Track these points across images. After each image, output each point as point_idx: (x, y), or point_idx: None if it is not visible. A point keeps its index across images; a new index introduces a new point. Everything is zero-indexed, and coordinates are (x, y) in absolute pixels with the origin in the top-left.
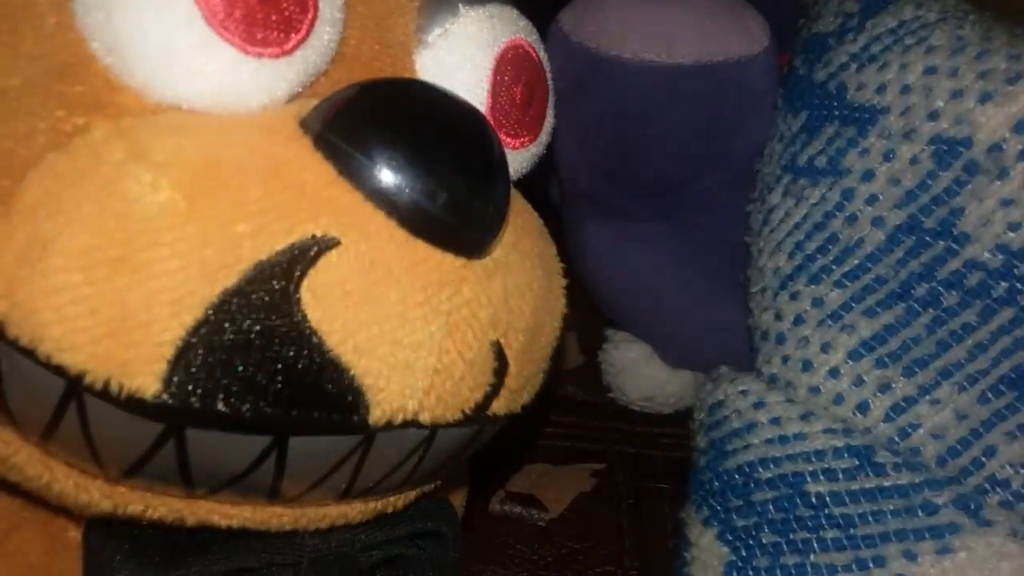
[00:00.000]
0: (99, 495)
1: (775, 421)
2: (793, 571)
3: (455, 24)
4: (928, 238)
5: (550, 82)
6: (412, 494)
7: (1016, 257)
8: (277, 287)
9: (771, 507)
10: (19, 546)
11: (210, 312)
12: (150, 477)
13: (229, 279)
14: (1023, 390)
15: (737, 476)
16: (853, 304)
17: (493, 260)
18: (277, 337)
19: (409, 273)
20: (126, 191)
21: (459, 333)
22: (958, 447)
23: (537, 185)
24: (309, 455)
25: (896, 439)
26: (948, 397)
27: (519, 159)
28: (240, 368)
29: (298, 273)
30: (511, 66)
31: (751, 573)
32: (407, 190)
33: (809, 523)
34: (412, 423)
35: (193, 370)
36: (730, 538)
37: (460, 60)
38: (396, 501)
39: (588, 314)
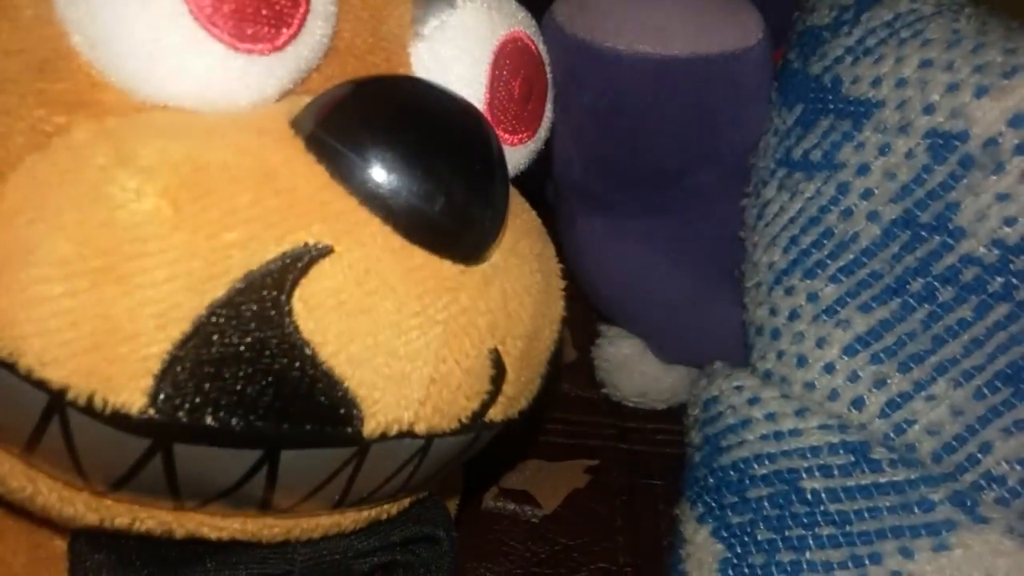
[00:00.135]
0: (84, 508)
1: (770, 417)
2: (788, 568)
3: (452, 16)
4: (923, 233)
5: (549, 76)
6: (406, 500)
7: (1012, 252)
8: (268, 298)
9: (766, 503)
10: (2, 556)
11: (198, 325)
12: (137, 490)
13: (218, 290)
14: (1019, 386)
15: (732, 472)
16: (848, 299)
17: (491, 265)
18: (268, 349)
19: (405, 281)
20: (110, 198)
21: (456, 342)
22: (954, 443)
23: (530, 180)
24: (302, 467)
25: (892, 435)
26: (944, 393)
27: (517, 155)
28: (230, 382)
29: (289, 283)
30: (510, 60)
31: (746, 570)
32: (403, 193)
33: (805, 520)
34: (407, 434)
35: (180, 384)
36: (725, 535)
37: (457, 53)
38: (390, 508)
39: (581, 310)
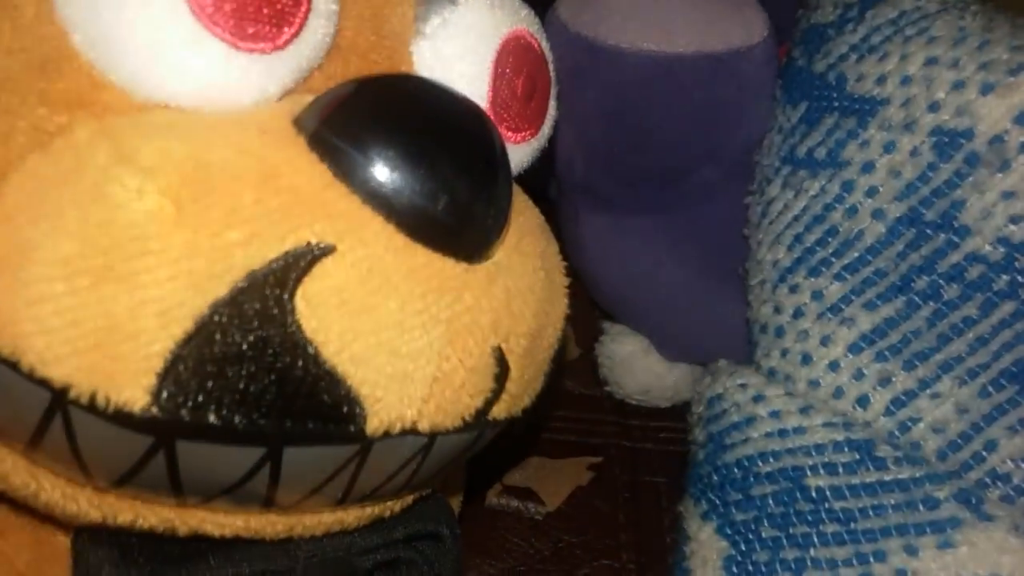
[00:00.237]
0: (87, 505)
1: (775, 415)
2: (793, 565)
3: (454, 14)
4: (928, 231)
5: (552, 73)
6: (409, 497)
7: (1017, 250)
8: (270, 297)
9: (771, 501)
10: (5, 552)
11: (200, 323)
12: (139, 488)
13: (220, 289)
14: None
15: (736, 470)
16: (853, 297)
17: (495, 263)
18: (271, 348)
19: (408, 280)
20: (111, 197)
21: (460, 340)
22: (959, 441)
23: (533, 177)
24: (305, 465)
25: (896, 433)
26: (949, 391)
27: (520, 153)
28: (232, 380)
29: (292, 282)
30: (513, 57)
31: (750, 567)
32: (406, 192)
33: (809, 517)
34: (410, 432)
35: (183, 383)
36: (729, 532)
37: (460, 51)
38: (393, 505)
39: (585, 307)
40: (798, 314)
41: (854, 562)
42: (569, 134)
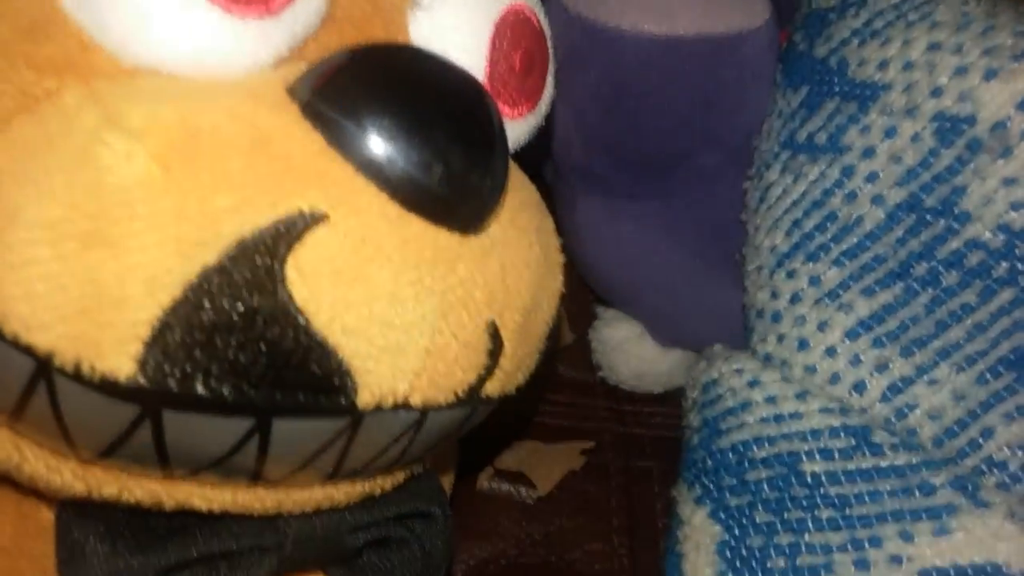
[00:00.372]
0: (72, 477)
1: (770, 400)
2: (787, 550)
3: None
4: (928, 217)
5: (551, 50)
6: (400, 475)
7: (1017, 237)
8: (260, 265)
9: (765, 486)
10: None
11: (189, 291)
12: (125, 459)
13: (209, 256)
14: (1021, 371)
15: (731, 455)
16: (851, 283)
17: (490, 237)
18: (260, 317)
19: (401, 251)
20: (99, 160)
21: (453, 314)
22: (955, 428)
23: (530, 160)
24: (294, 437)
25: (893, 419)
26: (946, 378)
27: (517, 129)
28: (221, 349)
29: (283, 250)
30: (511, 31)
31: (744, 552)
32: (401, 162)
33: (804, 502)
34: (402, 406)
35: (170, 351)
36: (723, 517)
37: (457, 23)
38: (384, 483)
39: (579, 292)
40: (795, 299)
41: (849, 547)
42: (567, 116)
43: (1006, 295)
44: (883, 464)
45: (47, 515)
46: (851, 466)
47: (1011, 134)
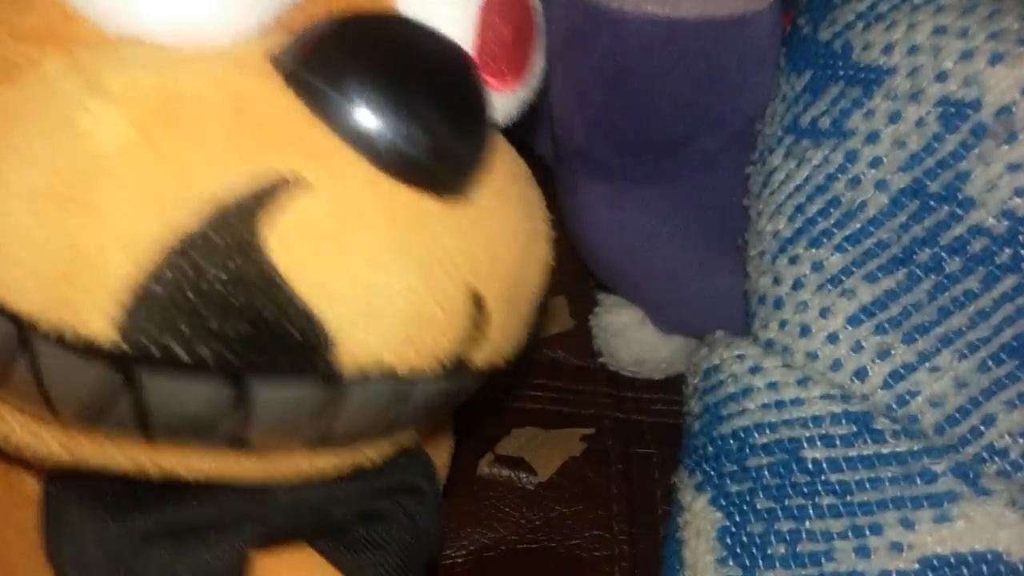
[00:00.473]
0: (57, 446)
1: (772, 386)
2: (788, 537)
3: None
4: (932, 202)
5: (540, 24)
6: (388, 448)
7: (1021, 223)
8: (240, 229)
9: (766, 472)
10: None
11: (168, 255)
12: (108, 425)
13: (189, 221)
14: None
15: (732, 441)
16: (854, 269)
17: (476, 207)
18: (240, 282)
19: (385, 218)
20: (79, 126)
21: (437, 281)
22: (957, 415)
23: (529, 144)
24: (277, 404)
25: (894, 406)
26: (948, 364)
27: (506, 103)
28: (201, 313)
29: (264, 215)
30: (500, 4)
31: (745, 538)
32: (385, 132)
33: (805, 489)
34: (387, 373)
35: (150, 315)
36: (724, 503)
37: None
38: (372, 455)
39: (580, 278)
40: (797, 285)
41: (849, 535)
42: (569, 99)
43: (1009, 282)
44: (884, 451)
45: (33, 486)
46: (852, 453)
47: (1016, 119)
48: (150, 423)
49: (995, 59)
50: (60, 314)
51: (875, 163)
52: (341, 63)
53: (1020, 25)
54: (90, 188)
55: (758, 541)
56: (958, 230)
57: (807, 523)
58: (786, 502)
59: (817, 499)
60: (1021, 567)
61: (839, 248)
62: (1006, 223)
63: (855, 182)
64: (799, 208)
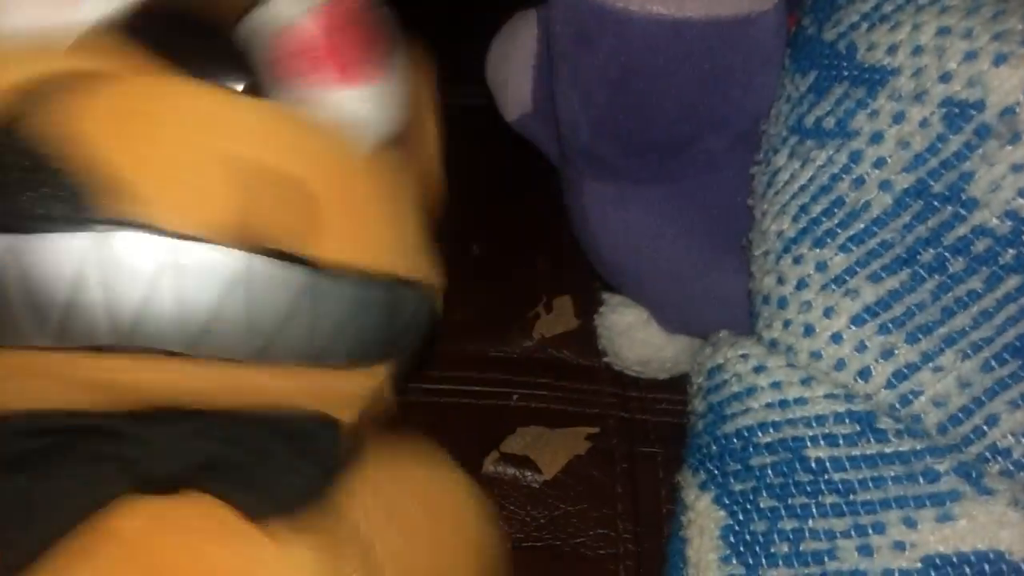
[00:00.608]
0: None
1: (776, 385)
2: (791, 536)
3: None
4: (936, 203)
5: (392, 34)
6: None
7: None
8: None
9: (770, 472)
10: None
11: None
12: None
13: None
14: None
15: (736, 440)
16: (857, 269)
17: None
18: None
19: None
20: None
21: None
22: (960, 415)
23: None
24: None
25: (898, 406)
26: (951, 364)
27: (351, 97)
28: None
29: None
30: (345, 8)
31: (748, 537)
32: None
33: (808, 488)
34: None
35: None
36: (727, 502)
37: None
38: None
39: (585, 277)
40: (801, 285)
41: (852, 534)
42: (574, 99)
43: (1013, 282)
44: (887, 450)
45: None
46: (855, 452)
47: (1020, 120)
48: None
49: (999, 60)
50: None
51: (879, 163)
52: None
53: None
54: None
55: (761, 540)
56: (962, 230)
57: (810, 522)
58: (789, 501)
59: (820, 498)
60: (1023, 566)
61: (843, 248)
62: (1010, 223)
63: (859, 182)
64: (803, 208)
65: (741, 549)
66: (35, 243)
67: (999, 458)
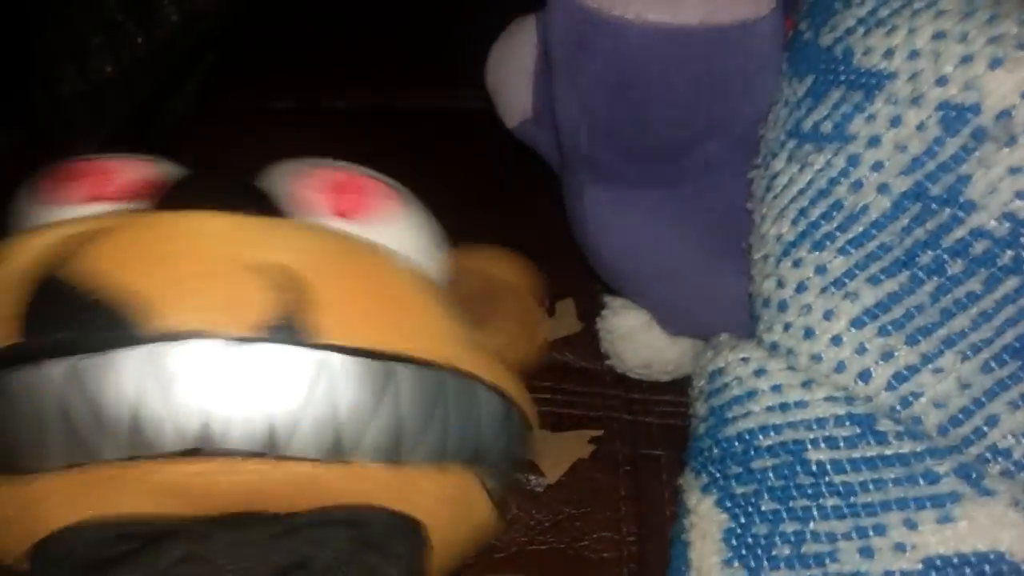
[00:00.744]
0: None
1: (776, 388)
2: (792, 538)
3: None
4: (934, 205)
5: (395, 187)
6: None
7: (1022, 225)
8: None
9: (771, 474)
10: None
11: None
12: None
13: None
14: None
15: (737, 443)
16: (856, 271)
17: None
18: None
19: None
20: None
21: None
22: (960, 416)
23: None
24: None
25: (898, 408)
26: (951, 366)
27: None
28: None
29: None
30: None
31: (750, 540)
32: None
33: (809, 491)
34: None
35: None
36: (729, 505)
37: None
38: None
39: (586, 281)
40: (801, 288)
41: (853, 536)
42: (573, 106)
43: (1011, 283)
44: (888, 452)
45: None
46: (856, 454)
47: (1016, 123)
48: None
49: (994, 63)
50: None
51: (877, 167)
52: None
53: (1019, 29)
54: None
55: (763, 542)
56: (959, 233)
57: (811, 524)
58: (790, 503)
59: (821, 500)
60: (1023, 567)
61: (842, 251)
62: (1007, 225)
63: (857, 186)
64: (802, 212)
65: (743, 552)
66: (92, 364)
67: (999, 459)
